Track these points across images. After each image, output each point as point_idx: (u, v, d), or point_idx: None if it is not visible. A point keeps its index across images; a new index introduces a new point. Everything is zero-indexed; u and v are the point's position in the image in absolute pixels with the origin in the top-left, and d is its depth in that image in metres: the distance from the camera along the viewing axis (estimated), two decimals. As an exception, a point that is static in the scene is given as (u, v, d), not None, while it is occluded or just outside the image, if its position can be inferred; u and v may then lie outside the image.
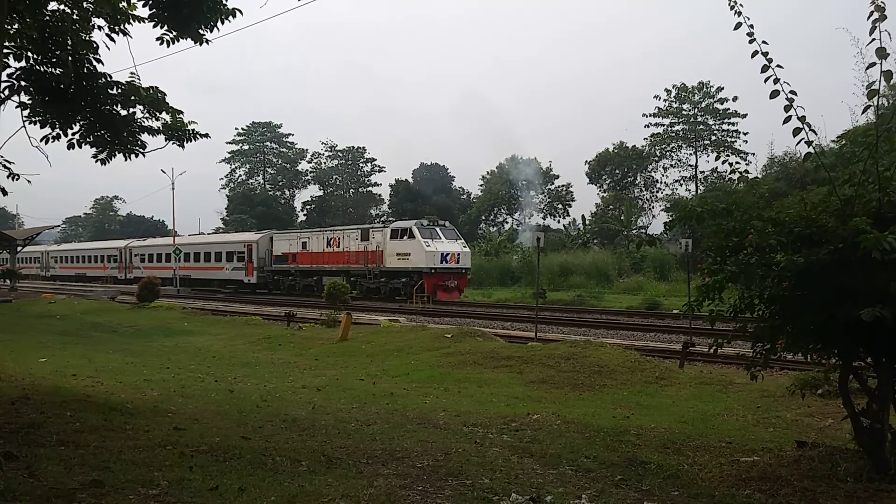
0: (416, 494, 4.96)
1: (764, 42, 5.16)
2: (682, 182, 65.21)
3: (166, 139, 9.05)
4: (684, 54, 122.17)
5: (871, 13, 4.69)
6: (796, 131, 5.15)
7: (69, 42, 7.90)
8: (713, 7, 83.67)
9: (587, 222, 63.09)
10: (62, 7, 7.99)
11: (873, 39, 4.70)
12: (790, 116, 5.13)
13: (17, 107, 8.09)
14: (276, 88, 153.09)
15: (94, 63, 8.18)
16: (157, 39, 8.15)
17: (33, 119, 8.21)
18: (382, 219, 57.09)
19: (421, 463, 5.88)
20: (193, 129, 9.11)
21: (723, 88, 60.73)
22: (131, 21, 8.24)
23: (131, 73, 8.59)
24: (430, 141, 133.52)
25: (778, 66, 5.12)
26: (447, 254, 34.38)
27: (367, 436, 7.07)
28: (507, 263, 49.46)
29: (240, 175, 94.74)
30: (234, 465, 5.57)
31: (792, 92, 5.09)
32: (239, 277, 46.33)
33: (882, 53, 4.71)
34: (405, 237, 35.02)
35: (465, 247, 36.81)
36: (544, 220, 71.72)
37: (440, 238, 35.07)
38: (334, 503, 4.63)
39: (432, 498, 4.91)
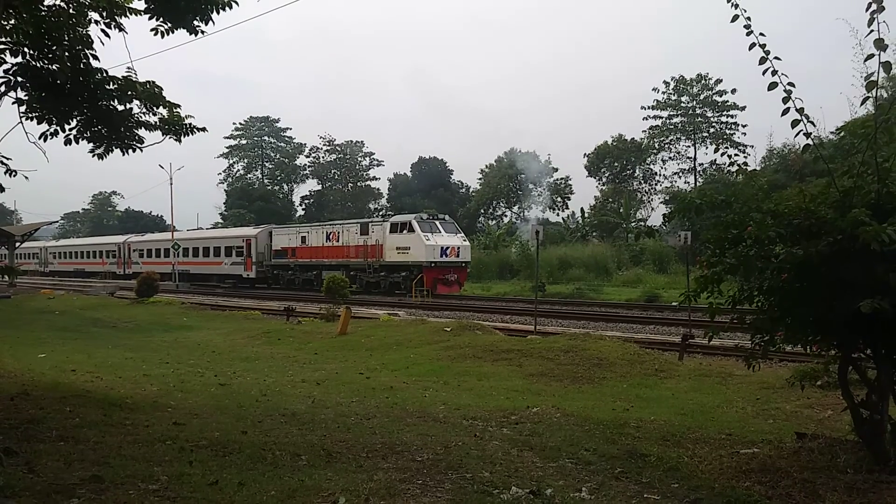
0: (416, 488, 4.97)
1: (761, 34, 5.14)
2: (680, 174, 65.34)
3: (164, 134, 9.03)
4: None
5: (870, 4, 4.68)
6: (794, 123, 5.13)
7: (66, 37, 7.87)
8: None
9: (586, 215, 63.08)
10: (58, 2, 7.95)
11: (871, 31, 4.70)
12: (788, 108, 5.12)
13: (13, 103, 8.06)
14: (273, 84, 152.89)
15: (91, 58, 8.15)
16: (152, 31, 8.12)
17: (30, 115, 8.18)
18: (381, 213, 56.97)
19: (421, 456, 5.88)
20: (191, 124, 9.10)
21: (721, 81, 60.79)
22: (127, 14, 8.21)
23: (128, 68, 8.56)
24: (430, 137, 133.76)
25: (776, 57, 5.11)
26: (447, 247, 34.39)
27: (367, 430, 7.07)
28: (506, 257, 49.45)
29: (238, 170, 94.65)
30: (233, 459, 5.58)
31: (790, 83, 5.08)
32: (238, 272, 46.38)
33: (881, 45, 4.70)
34: (405, 231, 35.02)
35: (464, 240, 36.82)
36: (543, 213, 71.78)
37: (440, 232, 35.08)
38: (334, 497, 4.63)
39: (432, 491, 4.92)
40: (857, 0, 4.82)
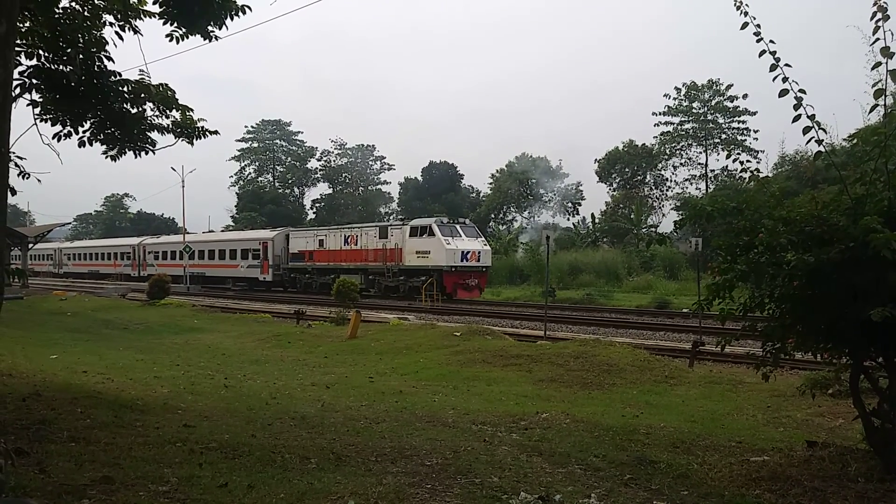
0: (425, 492, 4.96)
1: (771, 41, 5.14)
2: (691, 180, 64.91)
3: (176, 137, 9.09)
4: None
5: (874, 13, 4.69)
6: (806, 130, 5.13)
7: (80, 40, 7.95)
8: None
9: (597, 221, 62.90)
10: (73, 4, 8.03)
11: (877, 39, 4.71)
12: (800, 115, 5.11)
13: (28, 104, 8.15)
14: (280, 87, 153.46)
15: (105, 61, 8.23)
16: (167, 36, 8.20)
17: (44, 117, 8.26)
18: (395, 216, 56.85)
19: (430, 461, 5.88)
20: (203, 127, 9.17)
21: (732, 86, 60.52)
22: (142, 17, 8.29)
23: (141, 70, 8.66)
24: (441, 141, 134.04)
25: (786, 64, 5.11)
26: (468, 252, 33.83)
27: (376, 434, 7.08)
28: (517, 262, 49.40)
29: (249, 173, 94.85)
30: (243, 462, 5.59)
31: (801, 90, 5.08)
32: (254, 275, 46.23)
33: (887, 52, 4.71)
34: (425, 235, 34.53)
35: (485, 245, 36.28)
36: (553, 217, 71.67)
37: (460, 236, 34.53)
38: (343, 501, 4.63)
39: (441, 496, 4.91)
40: (866, 4, 4.83)
